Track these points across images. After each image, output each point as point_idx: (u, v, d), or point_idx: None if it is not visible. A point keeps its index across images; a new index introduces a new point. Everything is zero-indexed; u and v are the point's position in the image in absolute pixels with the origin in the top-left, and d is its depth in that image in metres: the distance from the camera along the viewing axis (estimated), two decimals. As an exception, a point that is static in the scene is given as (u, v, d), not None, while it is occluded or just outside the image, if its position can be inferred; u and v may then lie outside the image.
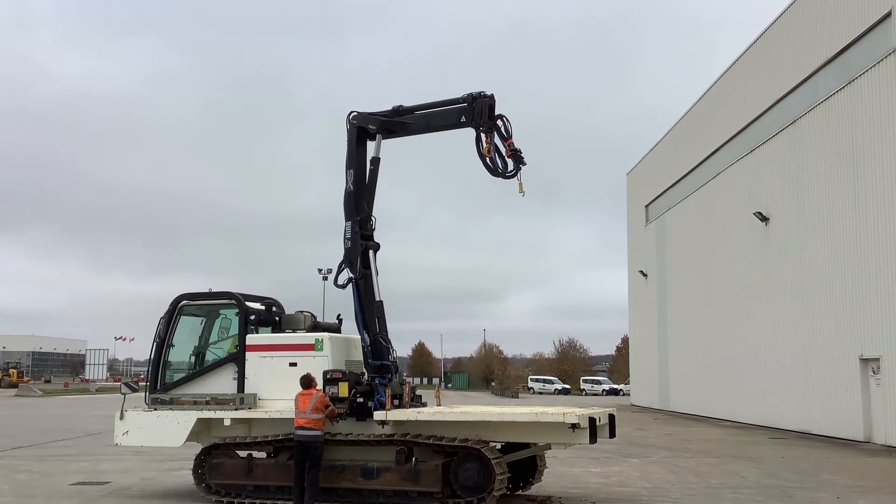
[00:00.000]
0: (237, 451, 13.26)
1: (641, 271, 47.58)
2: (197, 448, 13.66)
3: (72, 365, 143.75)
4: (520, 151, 12.51)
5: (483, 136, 12.54)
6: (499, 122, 12.56)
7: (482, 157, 12.56)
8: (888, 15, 22.39)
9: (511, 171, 12.48)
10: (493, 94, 12.67)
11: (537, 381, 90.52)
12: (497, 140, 12.56)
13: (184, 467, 16.07)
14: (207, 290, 14.21)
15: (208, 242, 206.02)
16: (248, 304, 13.79)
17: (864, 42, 23.83)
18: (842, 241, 24.51)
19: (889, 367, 21.90)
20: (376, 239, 13.55)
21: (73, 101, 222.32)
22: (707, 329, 36.36)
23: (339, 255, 13.17)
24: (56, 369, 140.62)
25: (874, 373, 22.81)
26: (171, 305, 14.03)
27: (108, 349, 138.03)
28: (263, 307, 14.07)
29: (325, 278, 64.60)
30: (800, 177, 27.39)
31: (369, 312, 13.00)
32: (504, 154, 12.51)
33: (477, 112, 12.56)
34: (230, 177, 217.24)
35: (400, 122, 13.40)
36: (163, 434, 13.42)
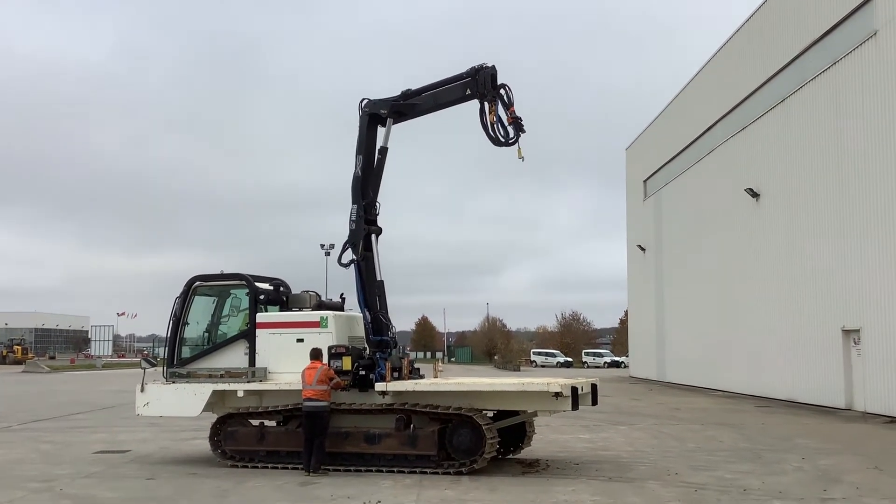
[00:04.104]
0: (250, 420, 14.36)
1: (640, 245, 48.51)
2: (209, 419, 14.76)
3: (75, 341, 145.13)
4: (520, 119, 13.38)
5: (487, 105, 13.41)
6: (501, 92, 13.42)
7: (485, 127, 13.44)
8: (870, -2, 23.13)
9: (512, 139, 13.36)
10: (494, 65, 13.51)
11: (539, 354, 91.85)
12: (500, 109, 13.42)
13: (197, 437, 17.23)
14: (219, 272, 15.23)
15: (197, 217, 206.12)
16: (257, 284, 14.83)
17: (847, 24, 24.56)
18: (825, 217, 25.42)
19: (868, 338, 22.90)
20: (380, 223, 14.49)
21: (43, 78, 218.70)
22: (701, 302, 37.37)
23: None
24: (59, 346, 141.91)
25: (855, 343, 23.82)
26: (185, 286, 15.05)
27: (112, 325, 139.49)
28: (272, 287, 15.12)
29: (328, 254, 65.77)
30: (788, 154, 28.23)
31: (370, 292, 14.00)
32: (506, 122, 13.37)
33: (480, 83, 13.44)
34: (212, 150, 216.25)
35: (409, 103, 14.29)
36: (181, 405, 14.46)
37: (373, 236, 14.21)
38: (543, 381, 12.84)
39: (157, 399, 14.66)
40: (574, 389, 12.45)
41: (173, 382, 14.69)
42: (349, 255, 14.16)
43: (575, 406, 12.50)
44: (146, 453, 15.99)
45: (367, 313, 13.93)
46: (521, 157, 13.32)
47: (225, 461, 14.06)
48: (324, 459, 13.02)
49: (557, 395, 12.27)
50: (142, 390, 14.69)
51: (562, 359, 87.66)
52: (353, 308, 14.72)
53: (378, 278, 14.13)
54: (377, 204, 14.42)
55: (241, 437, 14.06)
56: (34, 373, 64.77)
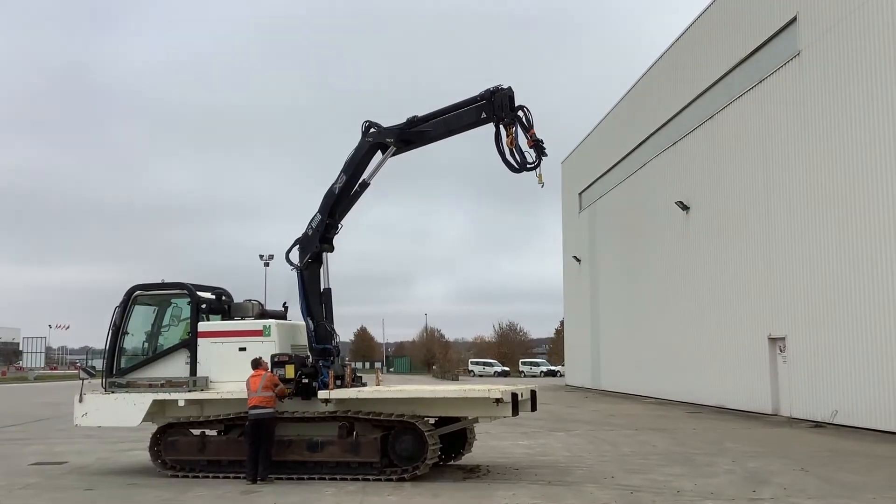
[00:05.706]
0: (191, 430, 14.32)
1: (575, 257, 49.39)
2: (149, 430, 14.65)
3: (4, 353, 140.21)
4: (542, 142, 12.80)
5: (504, 129, 12.91)
6: (520, 114, 12.92)
7: (502, 153, 12.86)
8: (793, 20, 24.20)
9: (533, 163, 12.78)
10: (510, 87, 13.03)
11: (477, 363, 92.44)
12: (519, 132, 12.87)
13: (135, 448, 17.04)
14: (161, 281, 15.16)
15: (110, 228, 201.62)
16: (199, 293, 14.81)
17: (772, 45, 25.64)
18: (752, 228, 26.40)
19: (793, 346, 23.85)
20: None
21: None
22: (634, 311, 38.27)
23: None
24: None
25: (781, 351, 24.77)
26: (125, 295, 14.94)
27: (44, 337, 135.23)
28: (214, 296, 15.12)
29: (267, 265, 65.59)
30: (716, 168, 29.24)
31: (314, 300, 14.13)
32: (526, 146, 12.80)
33: (497, 106, 12.90)
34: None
35: (418, 132, 13.74)
36: (120, 415, 14.33)
37: (324, 254, 14.31)
38: (485, 387, 13.17)
39: (96, 409, 14.50)
40: (514, 396, 12.78)
41: (113, 392, 14.56)
42: (296, 257, 14.26)
43: (515, 412, 12.83)
44: (84, 464, 15.78)
45: (310, 322, 14.05)
46: (542, 184, 12.69)
47: (165, 471, 13.98)
48: (270, 468, 13.08)
49: (498, 401, 12.60)
50: (80, 401, 14.53)
51: (499, 368, 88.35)
52: (297, 317, 14.83)
53: (325, 286, 14.27)
54: (339, 226, 14.41)
55: (182, 446, 14.03)
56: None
